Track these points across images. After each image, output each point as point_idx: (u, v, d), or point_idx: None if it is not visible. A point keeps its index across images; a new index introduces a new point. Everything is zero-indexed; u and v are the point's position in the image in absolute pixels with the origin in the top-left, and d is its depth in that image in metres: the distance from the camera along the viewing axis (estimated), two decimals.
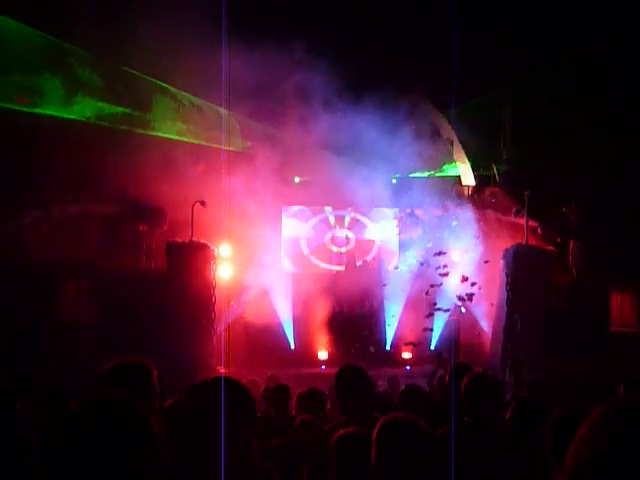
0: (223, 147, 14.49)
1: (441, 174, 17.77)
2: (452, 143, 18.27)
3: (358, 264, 16.13)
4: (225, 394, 2.36)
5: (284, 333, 15.14)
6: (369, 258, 16.50)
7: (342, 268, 16.11)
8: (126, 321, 12.50)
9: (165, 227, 14.39)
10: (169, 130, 15.17)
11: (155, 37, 12.39)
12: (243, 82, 12.72)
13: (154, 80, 14.57)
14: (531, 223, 14.31)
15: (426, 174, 17.06)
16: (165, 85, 14.89)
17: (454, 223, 15.48)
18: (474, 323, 15.39)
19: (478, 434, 4.19)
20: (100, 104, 14.38)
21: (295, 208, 16.72)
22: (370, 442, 2.97)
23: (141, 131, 14.60)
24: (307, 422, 5.26)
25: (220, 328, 13.84)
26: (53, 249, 13.46)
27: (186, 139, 15.20)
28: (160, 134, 14.94)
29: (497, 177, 17.64)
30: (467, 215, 15.50)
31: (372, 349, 15.14)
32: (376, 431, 2.92)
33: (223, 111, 14.45)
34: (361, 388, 4.23)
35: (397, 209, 16.43)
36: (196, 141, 15.13)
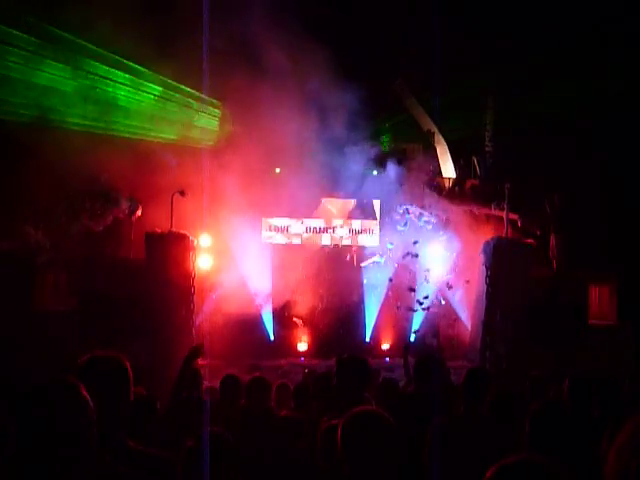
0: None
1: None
2: (433, 135, 18.28)
3: (341, 244, 15.97)
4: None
5: (264, 324, 15.08)
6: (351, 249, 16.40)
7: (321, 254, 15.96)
8: (105, 311, 12.41)
9: (139, 214, 14.16)
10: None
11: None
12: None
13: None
14: (511, 216, 14.35)
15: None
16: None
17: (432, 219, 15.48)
18: (453, 315, 15.43)
19: (469, 427, 4.23)
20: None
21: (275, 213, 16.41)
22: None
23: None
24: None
25: (199, 319, 13.77)
26: (31, 239, 13.27)
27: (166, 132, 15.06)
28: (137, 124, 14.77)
29: (478, 169, 17.67)
30: (447, 208, 15.52)
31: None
32: (341, 425, 2.88)
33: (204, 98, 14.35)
34: (362, 378, 4.32)
35: (379, 200, 16.30)
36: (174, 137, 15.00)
